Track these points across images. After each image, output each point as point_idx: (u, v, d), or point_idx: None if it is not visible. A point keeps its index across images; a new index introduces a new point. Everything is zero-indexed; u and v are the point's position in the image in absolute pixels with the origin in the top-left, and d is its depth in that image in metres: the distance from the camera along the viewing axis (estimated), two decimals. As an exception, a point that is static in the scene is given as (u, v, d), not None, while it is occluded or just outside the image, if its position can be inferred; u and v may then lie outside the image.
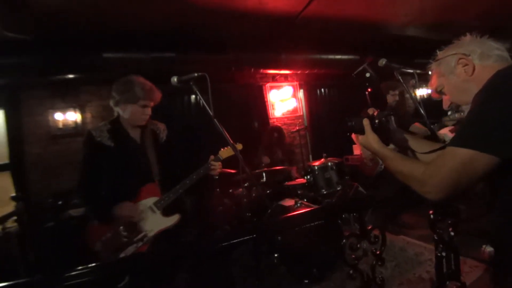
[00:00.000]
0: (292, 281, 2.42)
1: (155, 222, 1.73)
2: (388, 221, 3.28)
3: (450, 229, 1.29)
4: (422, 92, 6.23)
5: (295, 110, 5.24)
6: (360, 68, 2.25)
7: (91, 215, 1.76)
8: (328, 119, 5.31)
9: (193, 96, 4.39)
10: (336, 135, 5.10)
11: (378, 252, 1.25)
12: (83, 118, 3.83)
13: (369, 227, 1.23)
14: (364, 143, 1.08)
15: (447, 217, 1.30)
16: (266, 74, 4.92)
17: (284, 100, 5.12)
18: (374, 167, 3.54)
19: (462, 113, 1.05)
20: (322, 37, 4.08)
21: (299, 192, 3.52)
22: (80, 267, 0.82)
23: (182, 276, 1.73)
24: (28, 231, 3.05)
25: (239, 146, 2.09)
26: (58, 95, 3.72)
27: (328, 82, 5.46)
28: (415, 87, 5.80)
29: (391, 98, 3.53)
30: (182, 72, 1.69)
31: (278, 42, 4.00)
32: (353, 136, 1.11)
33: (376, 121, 1.07)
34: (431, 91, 1.10)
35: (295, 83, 5.28)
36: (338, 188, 3.49)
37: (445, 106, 1.06)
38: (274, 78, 5.11)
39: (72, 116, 3.72)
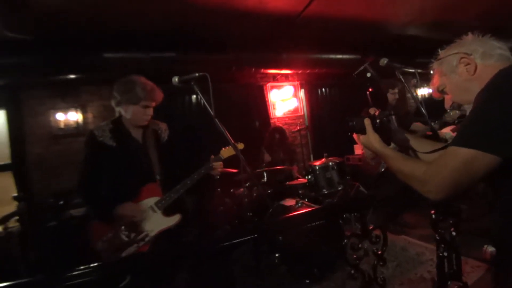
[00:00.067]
0: (293, 281, 2.42)
1: (156, 222, 1.73)
2: (389, 221, 3.27)
3: (452, 229, 1.29)
4: (423, 91, 6.22)
5: (296, 110, 5.24)
6: (361, 68, 2.24)
7: (92, 214, 1.76)
8: (329, 119, 5.31)
9: (194, 96, 4.39)
10: (337, 134, 5.10)
11: (379, 252, 1.25)
12: (84, 118, 3.84)
13: (371, 227, 1.23)
14: (366, 143, 1.08)
15: (448, 217, 1.30)
16: (267, 74, 4.92)
17: (285, 100, 5.12)
18: (377, 166, 3.54)
19: (462, 110, 1.04)
20: (322, 36, 4.07)
21: (300, 192, 3.52)
22: (81, 267, 0.82)
23: (182, 276, 1.73)
24: (30, 231, 3.06)
25: (241, 146, 2.09)
26: (59, 95, 3.73)
27: (329, 81, 5.46)
28: (417, 86, 5.79)
29: (391, 96, 3.53)
30: (182, 72, 1.69)
31: (279, 41, 4.00)
32: (355, 136, 1.11)
33: (378, 121, 1.07)
34: (433, 91, 1.10)
35: (296, 82, 5.27)
36: (339, 188, 3.49)
37: (447, 105, 1.06)
38: (275, 78, 5.11)
39: (73, 116, 3.73)
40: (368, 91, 3.65)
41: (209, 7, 2.87)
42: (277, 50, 4.12)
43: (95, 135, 1.71)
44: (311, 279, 2.40)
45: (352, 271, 1.18)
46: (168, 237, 1.75)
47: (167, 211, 1.78)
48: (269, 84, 5.07)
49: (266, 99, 5.03)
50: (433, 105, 1.76)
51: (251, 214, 3.14)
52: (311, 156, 5.33)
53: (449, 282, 1.29)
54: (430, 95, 5.75)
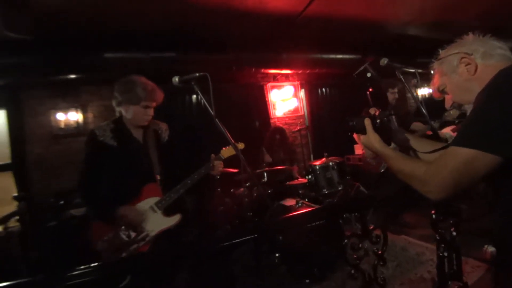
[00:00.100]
0: (293, 281, 2.42)
1: (156, 222, 1.73)
2: (389, 220, 3.27)
3: (452, 229, 1.29)
4: (423, 91, 6.22)
5: (296, 110, 5.24)
6: (361, 68, 2.24)
7: (92, 214, 1.76)
8: (329, 119, 5.31)
9: (194, 96, 4.39)
10: (337, 134, 5.10)
11: (379, 252, 1.25)
12: (85, 118, 3.84)
13: (371, 227, 1.23)
14: (366, 143, 1.07)
15: (449, 217, 1.30)
16: (267, 73, 4.92)
17: (285, 99, 5.11)
18: (377, 166, 3.54)
19: (463, 110, 1.04)
20: (323, 36, 4.07)
21: (300, 191, 3.53)
22: (81, 267, 0.82)
23: (183, 276, 1.73)
24: (30, 231, 3.06)
25: (241, 146, 2.08)
26: (59, 95, 3.73)
27: (329, 81, 5.45)
28: (417, 86, 5.79)
29: (391, 96, 3.53)
30: (182, 72, 1.69)
31: (279, 41, 4.00)
32: (355, 136, 1.11)
33: (378, 121, 1.07)
34: (433, 91, 1.10)
35: (296, 82, 5.27)
36: (340, 188, 3.49)
37: (448, 105, 1.06)
38: (275, 77, 5.11)
39: (73, 116, 3.73)
40: (368, 91, 3.65)
41: (209, 7, 2.87)
42: (277, 50, 4.12)
43: (96, 134, 1.71)
44: (311, 279, 2.40)
45: (352, 271, 1.18)
46: (168, 237, 1.75)
47: (167, 211, 1.78)
48: (269, 84, 5.07)
49: (266, 99, 5.03)
50: (433, 105, 1.76)
51: (251, 214, 3.14)
52: (311, 156, 5.33)
53: (449, 282, 1.28)
54: (430, 95, 5.75)
